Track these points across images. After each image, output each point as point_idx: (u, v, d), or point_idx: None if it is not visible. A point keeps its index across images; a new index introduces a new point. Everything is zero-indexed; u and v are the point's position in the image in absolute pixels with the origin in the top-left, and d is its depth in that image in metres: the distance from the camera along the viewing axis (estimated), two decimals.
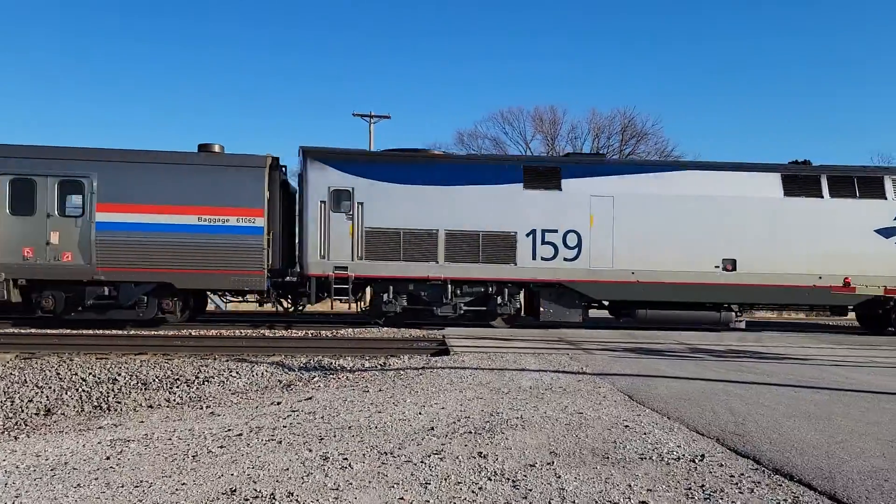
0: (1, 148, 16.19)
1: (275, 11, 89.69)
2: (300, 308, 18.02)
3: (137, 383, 10.16)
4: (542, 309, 17.28)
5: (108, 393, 9.66)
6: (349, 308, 19.05)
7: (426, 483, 4.72)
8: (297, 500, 4.41)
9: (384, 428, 6.45)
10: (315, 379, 9.97)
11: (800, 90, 79.04)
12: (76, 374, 10.59)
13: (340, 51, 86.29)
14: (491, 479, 4.81)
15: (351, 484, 4.71)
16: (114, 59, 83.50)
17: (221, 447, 5.88)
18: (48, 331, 15.21)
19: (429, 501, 4.38)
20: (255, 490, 4.60)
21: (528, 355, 11.74)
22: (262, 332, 16.05)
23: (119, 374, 10.57)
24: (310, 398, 8.23)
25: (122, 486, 4.79)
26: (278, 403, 8.03)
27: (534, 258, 17.09)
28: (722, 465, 5.22)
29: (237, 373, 10.69)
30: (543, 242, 17.12)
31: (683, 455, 5.48)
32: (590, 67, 79.83)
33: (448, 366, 10.48)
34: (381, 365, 11.12)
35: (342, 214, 16.86)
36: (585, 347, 13.17)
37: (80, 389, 9.79)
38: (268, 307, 19.26)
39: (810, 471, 5.06)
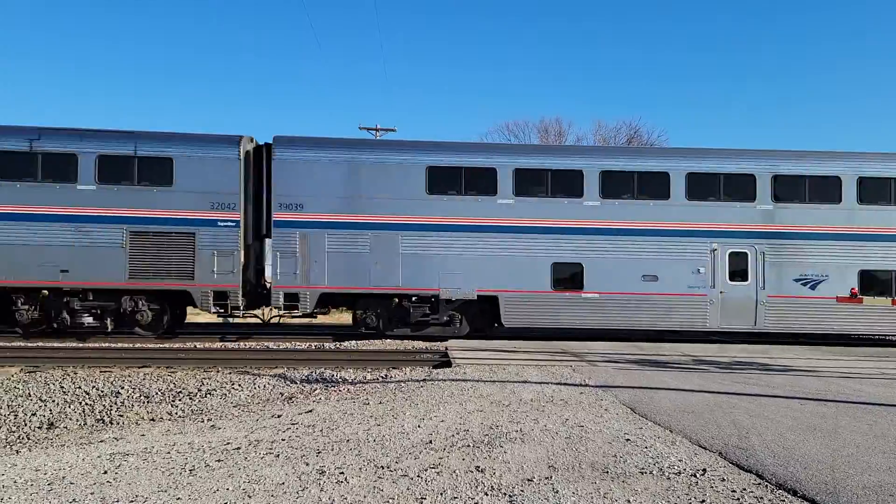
0: None
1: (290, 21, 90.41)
2: None
3: (140, 396, 10.15)
4: None
5: (110, 406, 9.65)
6: None
7: (422, 498, 4.68)
8: None
9: (382, 441, 6.40)
10: (316, 391, 9.94)
11: (810, 97, 78.84)
12: (80, 387, 10.59)
13: (347, 61, 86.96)
14: (488, 494, 4.76)
15: (346, 499, 4.67)
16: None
17: (219, 461, 5.85)
18: (54, 344, 15.26)
19: None
20: None
21: (531, 367, 11.67)
22: (265, 344, 16.03)
23: (122, 388, 10.56)
24: (310, 411, 8.19)
25: (118, 502, 4.77)
26: (279, 416, 8.00)
27: None
28: (724, 480, 5.15)
29: (239, 385, 10.67)
30: None
31: (685, 469, 5.41)
32: (594, 79, 79.98)
33: (449, 378, 10.43)
34: (382, 377, 11.08)
35: None
36: (589, 359, 13.08)
37: (83, 403, 9.79)
38: None
39: (814, 486, 4.98)
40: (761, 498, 4.74)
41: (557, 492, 4.80)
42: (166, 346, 15.42)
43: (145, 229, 16.10)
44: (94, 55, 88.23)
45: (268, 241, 17.36)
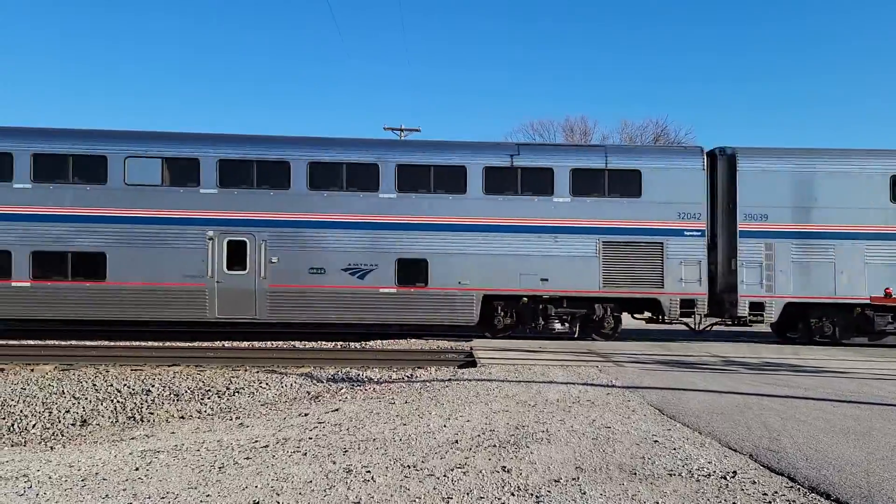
0: None
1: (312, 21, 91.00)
2: None
3: (170, 394, 10.32)
4: None
5: (141, 404, 9.83)
6: None
7: (448, 497, 4.68)
8: None
9: (408, 440, 6.43)
10: (342, 390, 10.01)
11: (836, 99, 77.27)
12: (111, 385, 10.81)
13: (370, 59, 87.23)
14: (514, 495, 4.75)
15: (373, 498, 4.70)
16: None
17: (248, 458, 5.92)
18: (86, 343, 15.57)
19: None
20: (278, 503, 4.62)
21: (557, 368, 11.62)
22: (292, 343, 16.19)
23: (153, 386, 10.75)
24: (336, 410, 8.25)
25: (149, 498, 4.85)
26: (305, 415, 8.07)
27: None
28: (755, 483, 5.07)
29: (267, 384, 10.79)
30: None
31: (714, 471, 5.34)
32: (620, 79, 79.25)
33: (475, 378, 10.43)
34: (408, 377, 11.11)
35: None
36: (616, 360, 12.98)
37: (114, 400, 9.98)
38: None
39: (848, 489, 4.88)
40: (794, 501, 4.66)
41: (585, 493, 4.77)
42: (195, 345, 15.65)
43: (617, 239, 16.71)
44: (95, 55, 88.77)
45: (718, 249, 17.48)
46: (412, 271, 16.53)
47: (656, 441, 6.36)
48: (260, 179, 16.64)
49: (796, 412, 7.79)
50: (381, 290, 16.44)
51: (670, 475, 5.24)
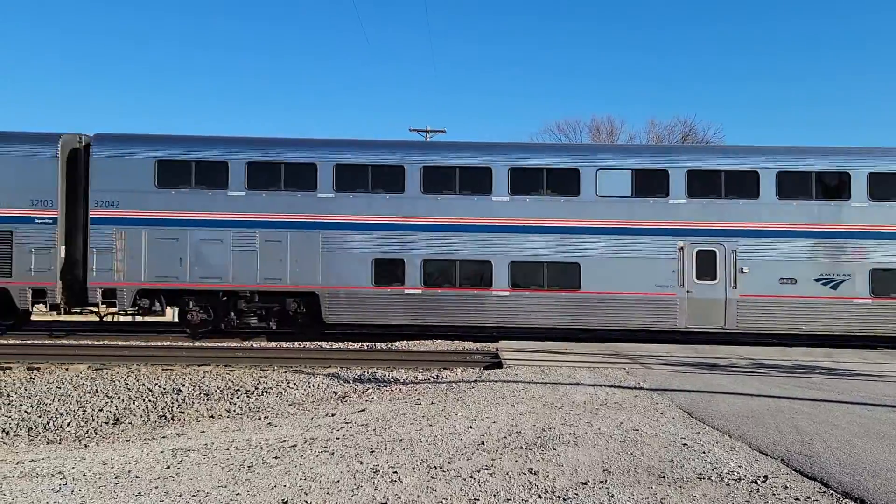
0: None
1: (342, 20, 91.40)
2: None
3: (200, 394, 10.48)
4: None
5: (172, 403, 10.00)
6: None
7: (475, 499, 4.69)
8: None
9: (435, 441, 6.44)
10: (369, 391, 10.06)
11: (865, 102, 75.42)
12: (143, 384, 11.00)
13: (396, 61, 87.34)
14: (541, 497, 4.73)
15: (400, 498, 4.72)
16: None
17: (276, 458, 5.99)
18: (119, 342, 15.88)
19: None
20: (306, 502, 4.67)
21: (583, 369, 11.54)
22: (319, 344, 16.30)
23: (183, 385, 10.92)
24: (363, 410, 8.30)
25: (180, 496, 4.94)
26: (333, 415, 8.14)
27: None
28: (787, 487, 4.99)
29: (294, 384, 10.89)
30: None
31: (745, 476, 5.26)
32: (649, 78, 78.36)
33: (501, 379, 10.41)
34: (433, 377, 11.13)
35: None
36: (643, 362, 12.85)
37: (146, 399, 10.17)
38: None
39: (883, 495, 4.78)
40: None
41: (613, 496, 4.74)
42: (224, 344, 15.86)
43: None
44: (94, 54, 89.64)
45: None
46: (888, 281, 16.32)
47: (685, 444, 6.29)
48: (728, 189, 16.66)
49: (829, 416, 7.64)
50: (856, 301, 16.29)
51: (700, 479, 5.18)
